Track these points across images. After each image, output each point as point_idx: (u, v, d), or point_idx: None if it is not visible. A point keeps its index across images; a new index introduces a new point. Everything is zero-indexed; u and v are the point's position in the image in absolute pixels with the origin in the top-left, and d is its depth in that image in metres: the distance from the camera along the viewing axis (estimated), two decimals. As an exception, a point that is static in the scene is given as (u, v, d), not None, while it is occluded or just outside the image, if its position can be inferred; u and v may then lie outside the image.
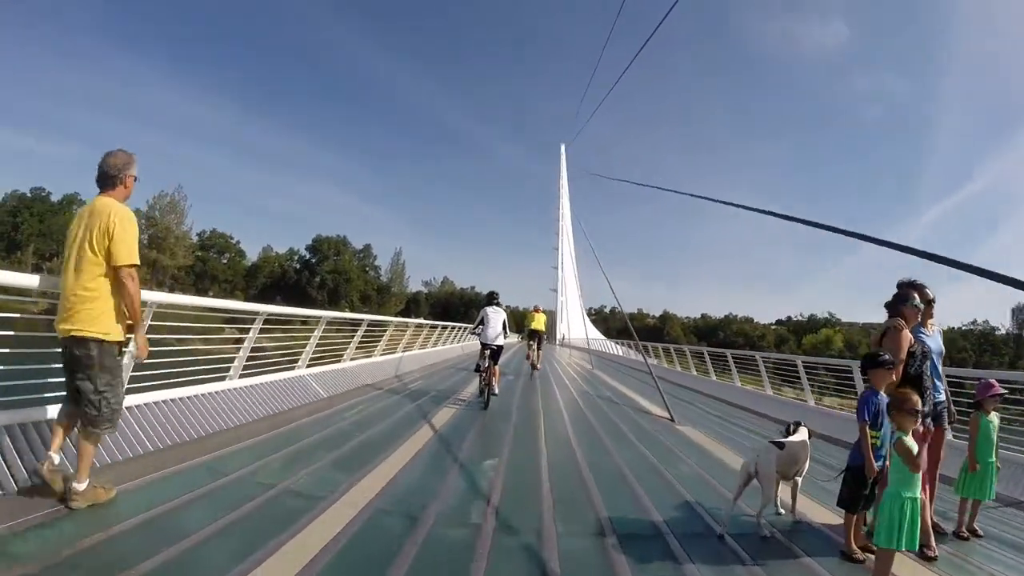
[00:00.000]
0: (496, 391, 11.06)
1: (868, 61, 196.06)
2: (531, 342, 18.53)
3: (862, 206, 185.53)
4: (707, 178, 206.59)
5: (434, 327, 22.01)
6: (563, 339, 60.55)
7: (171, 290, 70.56)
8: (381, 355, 14.64)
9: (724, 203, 6.19)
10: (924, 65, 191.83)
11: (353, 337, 12.54)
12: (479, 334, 11.40)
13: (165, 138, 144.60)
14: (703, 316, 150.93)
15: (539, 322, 18.78)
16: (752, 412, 13.89)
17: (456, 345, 27.41)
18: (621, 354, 40.61)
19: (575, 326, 57.49)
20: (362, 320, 13.04)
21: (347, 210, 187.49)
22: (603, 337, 59.30)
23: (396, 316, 27.26)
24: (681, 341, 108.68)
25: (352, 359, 12.44)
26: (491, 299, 11.74)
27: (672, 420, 10.84)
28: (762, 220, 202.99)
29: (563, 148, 79.95)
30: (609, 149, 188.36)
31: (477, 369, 11.32)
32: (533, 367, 17.88)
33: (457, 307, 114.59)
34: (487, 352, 11.01)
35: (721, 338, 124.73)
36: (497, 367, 11.23)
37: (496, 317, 11.36)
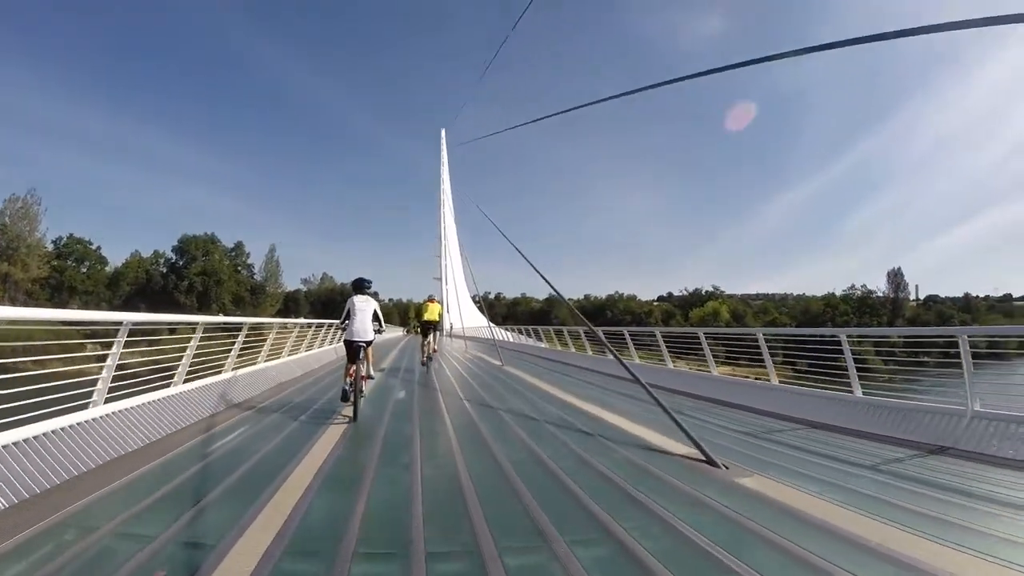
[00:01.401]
0: (373, 374, 10.37)
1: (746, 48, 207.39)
2: (426, 334, 18.09)
3: (743, 185, 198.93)
4: (597, 161, 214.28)
5: (308, 326, 19.38)
6: (451, 329, 60.04)
7: (25, 306, 64.95)
8: (265, 362, 13.69)
9: (652, 88, 6.29)
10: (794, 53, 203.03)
11: (233, 344, 11.62)
12: (346, 328, 9.72)
13: (10, 136, 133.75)
14: (586, 297, 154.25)
15: (433, 312, 18.36)
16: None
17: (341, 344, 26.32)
18: (525, 342, 39.38)
19: (465, 315, 56.90)
20: (242, 324, 12.04)
21: (217, 208, 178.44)
22: (489, 324, 59.24)
23: (274, 317, 25.38)
24: (568, 323, 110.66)
25: (235, 368, 11.53)
26: (359, 287, 10.01)
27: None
28: (630, 205, 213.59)
29: (443, 133, 79.70)
30: (490, 137, 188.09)
31: (346, 372, 9.41)
32: (428, 359, 17.59)
33: (339, 304, 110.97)
34: (355, 350, 9.40)
35: (609, 317, 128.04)
36: (369, 364, 9.94)
37: (366, 307, 9.71)
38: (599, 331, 11.57)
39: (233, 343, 11.67)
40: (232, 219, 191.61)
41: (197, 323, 9.65)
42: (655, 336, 17.15)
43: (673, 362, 16.66)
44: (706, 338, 14.62)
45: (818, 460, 6.77)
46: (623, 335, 19.36)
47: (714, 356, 14.21)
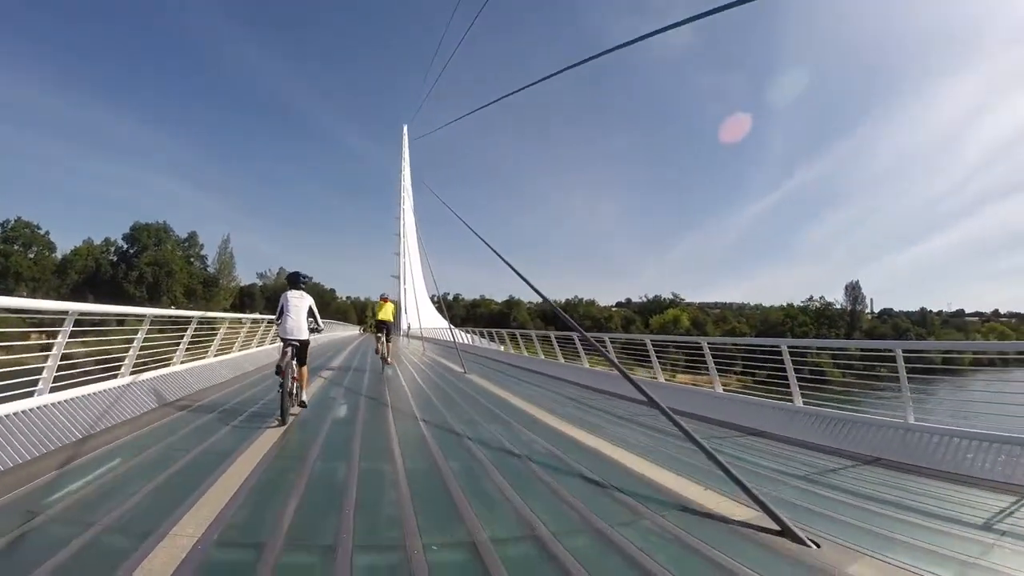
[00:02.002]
0: (304, 399, 9.47)
1: (711, 62, 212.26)
2: (379, 334, 18.01)
3: (702, 195, 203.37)
4: (555, 164, 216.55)
5: (257, 322, 18.60)
6: (408, 329, 59.41)
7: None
8: (215, 356, 13.70)
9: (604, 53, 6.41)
10: (761, 69, 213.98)
11: (182, 338, 11.57)
12: (280, 325, 9.23)
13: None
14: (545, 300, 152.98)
15: (387, 311, 18.25)
16: None
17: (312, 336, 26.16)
18: (487, 346, 37.70)
19: (424, 316, 56.40)
20: (191, 317, 11.97)
21: (173, 197, 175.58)
22: (449, 325, 58.77)
23: (227, 312, 24.55)
24: (528, 326, 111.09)
25: (183, 362, 11.56)
26: (294, 281, 9.49)
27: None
28: (590, 210, 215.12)
29: (405, 129, 79.86)
30: (453, 137, 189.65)
31: (278, 372, 8.68)
32: (384, 360, 17.55)
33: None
34: (288, 350, 8.82)
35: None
36: (305, 368, 9.38)
37: (300, 303, 9.18)
38: (611, 342, 11.82)
39: (182, 337, 11.60)
40: (191, 210, 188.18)
41: (144, 315, 9.60)
42: (644, 345, 15.39)
43: (667, 375, 15.98)
44: (655, 346, 14.55)
45: (752, 467, 6.86)
46: (604, 343, 16.33)
47: (673, 365, 14.42)
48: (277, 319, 9.35)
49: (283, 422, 8.16)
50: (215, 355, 13.78)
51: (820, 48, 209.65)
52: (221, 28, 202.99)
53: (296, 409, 9.17)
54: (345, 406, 10.99)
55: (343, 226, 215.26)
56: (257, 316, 18.83)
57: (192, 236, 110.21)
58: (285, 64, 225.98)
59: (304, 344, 9.20)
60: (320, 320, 9.73)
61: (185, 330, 11.74)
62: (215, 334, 13.87)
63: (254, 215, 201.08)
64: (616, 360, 7.63)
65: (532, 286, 9.06)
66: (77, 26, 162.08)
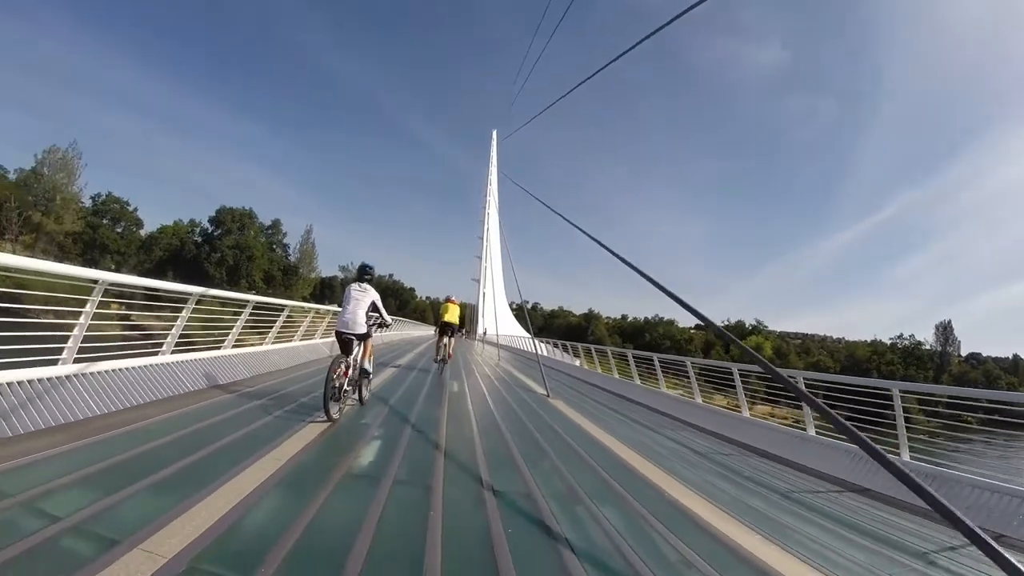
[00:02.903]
0: (365, 396, 9.39)
1: (804, 85, 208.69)
2: (443, 335, 17.56)
3: (786, 222, 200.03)
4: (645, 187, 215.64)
5: (321, 312, 17.68)
6: (484, 335, 59.45)
7: (55, 260, 65.16)
8: (273, 343, 13.40)
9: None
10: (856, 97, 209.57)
11: (237, 320, 11.26)
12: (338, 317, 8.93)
13: (60, 93, 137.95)
14: (624, 316, 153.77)
15: (452, 314, 17.86)
16: None
17: (386, 332, 25.61)
18: (568, 361, 32.57)
19: (501, 322, 55.93)
20: (248, 301, 11.63)
21: (260, 188, 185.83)
22: (526, 334, 58.54)
23: (306, 301, 23.80)
24: (605, 341, 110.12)
25: (235, 346, 11.20)
26: (361, 274, 9.20)
27: None
28: (680, 231, 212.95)
29: (495, 134, 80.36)
30: (540, 145, 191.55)
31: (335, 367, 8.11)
32: (443, 361, 17.17)
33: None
34: (344, 343, 8.58)
35: (647, 340, 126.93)
36: (366, 362, 9.08)
37: (362, 297, 8.79)
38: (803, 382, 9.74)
39: (235, 320, 11.31)
40: (280, 203, 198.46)
41: (190, 294, 9.27)
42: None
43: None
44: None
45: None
46: (796, 379, 13.05)
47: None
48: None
49: (329, 418, 7.62)
50: (272, 342, 13.39)
51: (912, 82, 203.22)
52: (308, 22, 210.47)
53: (351, 405, 8.96)
54: (379, 438, 7.93)
55: (427, 229, 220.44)
56: (320, 307, 17.83)
57: (276, 224, 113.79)
58: (377, 65, 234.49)
59: (362, 338, 8.77)
60: (387, 315, 9.29)
61: (239, 314, 11.33)
62: (274, 321, 13.55)
63: (341, 212, 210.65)
64: (829, 410, 3.69)
65: (681, 301, 5.79)
66: (182, 15, 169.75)
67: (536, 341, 25.44)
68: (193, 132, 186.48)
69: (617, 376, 22.07)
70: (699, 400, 14.79)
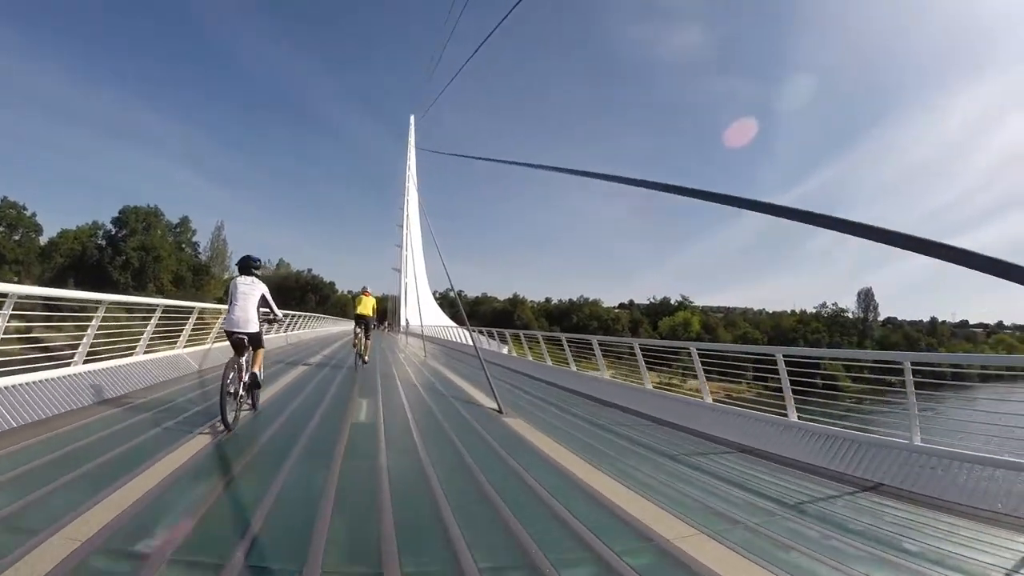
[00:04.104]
0: (255, 401, 8.86)
1: (723, 67, 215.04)
2: (357, 329, 17.47)
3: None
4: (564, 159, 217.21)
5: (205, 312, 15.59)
6: (407, 326, 59.03)
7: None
8: (183, 348, 13.30)
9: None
10: (771, 72, 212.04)
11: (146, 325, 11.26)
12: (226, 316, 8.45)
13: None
14: (548, 300, 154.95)
15: (365, 306, 17.80)
16: None
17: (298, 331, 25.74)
18: (493, 348, 31.97)
19: (425, 312, 55.70)
20: (156, 305, 11.64)
21: (174, 182, 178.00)
22: (452, 323, 58.63)
23: (221, 302, 22.84)
24: (533, 325, 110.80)
25: (147, 352, 11.28)
26: (244, 267, 8.60)
27: None
28: (593, 208, 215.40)
29: (412, 120, 79.33)
30: (461, 125, 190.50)
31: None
32: (360, 358, 17.19)
33: (293, 291, 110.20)
34: (235, 342, 8.16)
35: (575, 322, 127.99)
36: (258, 365, 8.50)
37: (250, 291, 8.28)
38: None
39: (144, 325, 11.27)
40: (193, 200, 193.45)
41: (100, 301, 9.25)
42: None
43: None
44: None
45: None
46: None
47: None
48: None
49: (227, 428, 7.28)
50: (144, 352, 11.66)
51: (830, 55, 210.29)
52: (215, 9, 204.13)
53: (247, 412, 8.61)
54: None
55: (345, 219, 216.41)
56: (206, 305, 15.77)
57: (184, 221, 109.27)
58: (287, 52, 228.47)
59: (253, 337, 8.30)
60: (277, 309, 8.84)
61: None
62: (184, 324, 13.35)
63: (256, 205, 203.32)
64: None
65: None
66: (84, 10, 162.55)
67: (473, 333, 21.45)
68: (93, 126, 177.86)
69: (551, 363, 20.34)
70: (649, 386, 13.59)
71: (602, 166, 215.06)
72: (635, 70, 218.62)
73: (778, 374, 9.61)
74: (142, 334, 11.24)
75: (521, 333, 26.84)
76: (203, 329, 15.01)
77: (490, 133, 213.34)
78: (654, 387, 13.80)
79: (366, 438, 7.83)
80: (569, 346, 18.46)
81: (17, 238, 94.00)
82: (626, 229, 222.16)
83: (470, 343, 34.37)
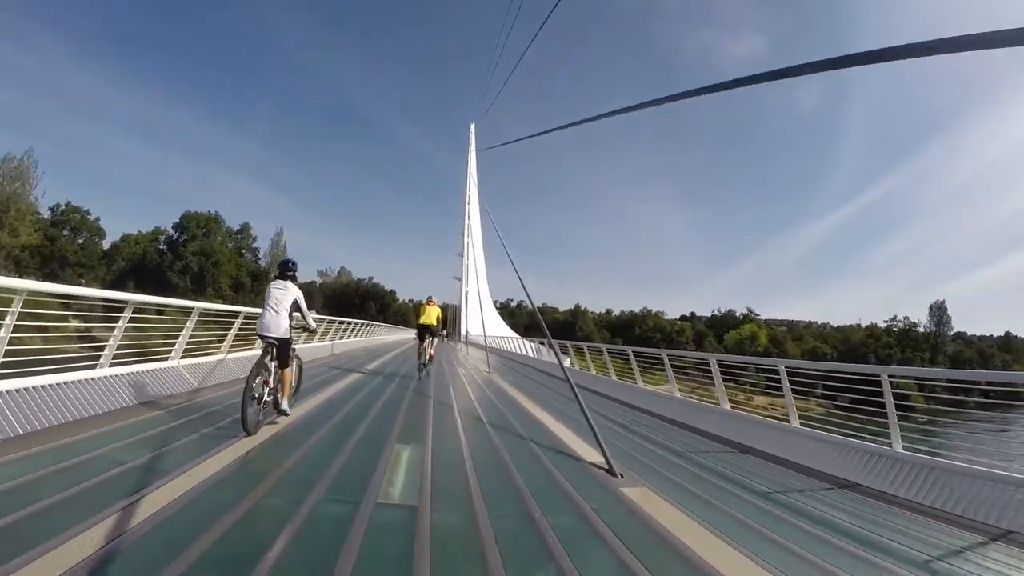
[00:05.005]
0: (285, 407, 8.22)
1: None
2: (422, 338, 17.17)
3: (768, 208, 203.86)
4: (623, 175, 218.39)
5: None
6: (468, 336, 58.85)
7: (9, 274, 63.12)
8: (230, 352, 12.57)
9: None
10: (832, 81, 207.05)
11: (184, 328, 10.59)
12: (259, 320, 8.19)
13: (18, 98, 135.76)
14: (608, 311, 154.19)
15: (430, 315, 17.41)
16: None
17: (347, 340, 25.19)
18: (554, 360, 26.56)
19: (484, 321, 54.82)
20: (192, 308, 10.95)
21: (231, 192, 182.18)
22: (514, 334, 58.04)
23: None
24: (594, 337, 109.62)
25: (183, 357, 10.58)
26: (282, 271, 8.41)
27: None
28: (654, 222, 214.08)
29: (472, 128, 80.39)
30: (520, 127, 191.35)
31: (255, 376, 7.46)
32: (424, 366, 16.92)
33: (352, 299, 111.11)
34: (266, 348, 7.90)
35: (637, 334, 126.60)
36: (287, 372, 8.17)
37: (283, 296, 8.02)
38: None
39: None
40: (256, 209, 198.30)
41: (127, 302, 8.78)
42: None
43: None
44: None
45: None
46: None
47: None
48: None
49: (248, 433, 7.01)
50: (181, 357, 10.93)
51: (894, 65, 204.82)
52: (279, 24, 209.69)
53: (277, 419, 8.17)
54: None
55: (408, 229, 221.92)
56: (240, 309, 13.84)
57: (244, 228, 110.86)
58: (350, 65, 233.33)
59: (283, 343, 7.97)
60: (311, 318, 8.62)
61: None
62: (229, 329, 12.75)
63: (319, 215, 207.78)
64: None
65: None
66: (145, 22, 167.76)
67: (559, 353, 12.57)
68: (161, 139, 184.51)
69: (643, 384, 17.00)
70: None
71: (658, 177, 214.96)
72: (693, 80, 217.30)
73: (852, 392, 9.77)
74: (185, 338, 10.66)
75: (584, 346, 24.30)
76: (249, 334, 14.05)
77: (546, 140, 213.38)
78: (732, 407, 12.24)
79: (394, 543, 4.25)
80: (638, 360, 17.13)
81: (80, 242, 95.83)
82: (684, 239, 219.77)
83: (532, 355, 33.35)
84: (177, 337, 10.57)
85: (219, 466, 5.67)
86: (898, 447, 8.03)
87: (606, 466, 7.08)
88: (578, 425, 9.72)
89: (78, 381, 7.62)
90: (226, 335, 12.68)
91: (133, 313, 8.87)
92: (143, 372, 9.20)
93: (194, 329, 10.82)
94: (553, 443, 8.69)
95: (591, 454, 7.89)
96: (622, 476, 6.78)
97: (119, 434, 6.59)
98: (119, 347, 8.73)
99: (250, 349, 13.90)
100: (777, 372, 10.76)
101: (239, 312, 13.08)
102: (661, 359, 15.40)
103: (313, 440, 7.40)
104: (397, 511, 4.97)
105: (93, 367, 8.25)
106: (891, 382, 8.43)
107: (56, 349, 7.05)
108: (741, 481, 7.44)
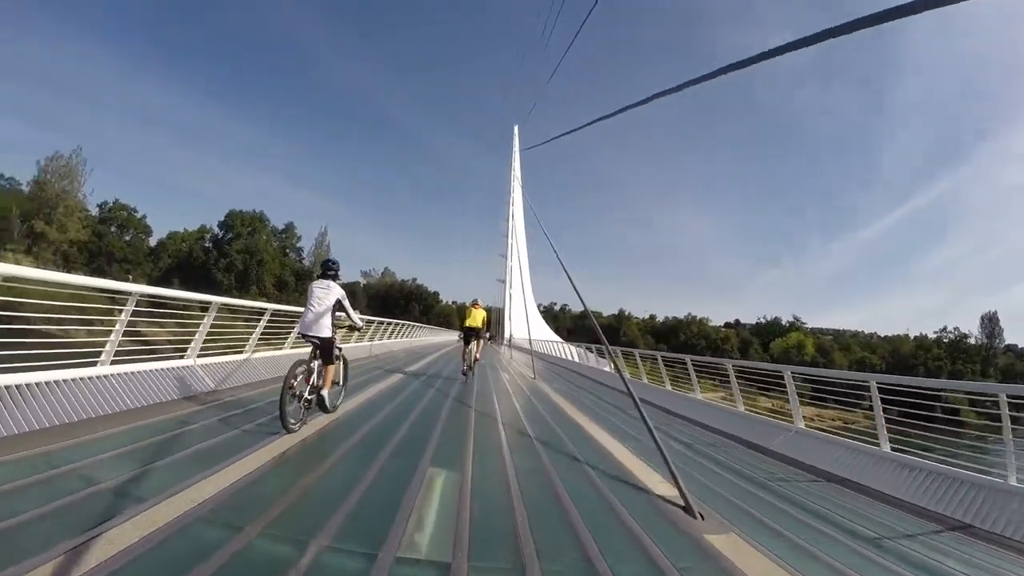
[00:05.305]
0: (329, 406, 8.18)
1: (824, 75, 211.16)
2: (468, 341, 17.41)
3: (814, 214, 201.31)
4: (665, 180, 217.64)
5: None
6: (511, 339, 58.42)
7: (57, 269, 64.22)
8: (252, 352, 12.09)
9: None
10: (877, 83, 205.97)
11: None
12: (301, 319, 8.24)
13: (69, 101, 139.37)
14: (652, 316, 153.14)
15: (475, 318, 17.40)
16: None
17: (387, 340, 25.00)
18: (600, 367, 27.66)
19: (529, 324, 53.90)
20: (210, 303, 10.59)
21: (277, 194, 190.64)
22: (557, 338, 57.53)
23: None
24: (638, 342, 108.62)
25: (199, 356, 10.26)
26: (324, 270, 8.36)
27: None
28: (697, 227, 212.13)
29: (516, 129, 79.74)
30: (565, 145, 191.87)
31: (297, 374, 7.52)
32: (469, 368, 16.87)
33: (396, 300, 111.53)
34: (311, 347, 7.97)
35: (682, 340, 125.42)
36: (330, 370, 8.09)
37: (325, 295, 7.96)
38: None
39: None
40: (301, 209, 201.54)
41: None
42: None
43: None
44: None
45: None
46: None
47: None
48: None
49: (287, 430, 7.05)
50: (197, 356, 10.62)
51: (933, 75, 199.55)
52: (321, 33, 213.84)
53: (320, 418, 8.23)
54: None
55: (452, 232, 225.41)
56: (279, 307, 13.83)
57: (289, 227, 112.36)
58: (393, 73, 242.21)
59: (325, 342, 7.96)
60: (356, 316, 8.63)
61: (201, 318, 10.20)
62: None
63: (364, 217, 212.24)
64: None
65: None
66: (193, 27, 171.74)
67: (616, 358, 15.90)
68: (211, 142, 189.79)
69: (702, 395, 15.43)
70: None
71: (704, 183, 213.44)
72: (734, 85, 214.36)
73: (904, 405, 9.24)
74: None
75: (637, 352, 23.04)
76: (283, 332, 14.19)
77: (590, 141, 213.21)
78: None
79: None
80: (689, 369, 15.88)
81: (127, 239, 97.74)
82: (727, 246, 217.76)
83: (578, 360, 32.41)
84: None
85: (214, 490, 4.88)
86: (1012, 480, 6.88)
87: (682, 503, 5.89)
88: (638, 445, 8.92)
89: (164, 369, 8.62)
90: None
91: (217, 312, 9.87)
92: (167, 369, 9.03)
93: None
94: (613, 469, 7.52)
95: (659, 484, 6.75)
96: (702, 517, 5.59)
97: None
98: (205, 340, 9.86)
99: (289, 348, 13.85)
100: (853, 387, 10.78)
101: (266, 308, 13.11)
102: (716, 368, 14.98)
103: (340, 452, 6.82)
104: (424, 570, 3.92)
105: (181, 357, 9.40)
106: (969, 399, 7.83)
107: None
108: (840, 522, 6.34)
